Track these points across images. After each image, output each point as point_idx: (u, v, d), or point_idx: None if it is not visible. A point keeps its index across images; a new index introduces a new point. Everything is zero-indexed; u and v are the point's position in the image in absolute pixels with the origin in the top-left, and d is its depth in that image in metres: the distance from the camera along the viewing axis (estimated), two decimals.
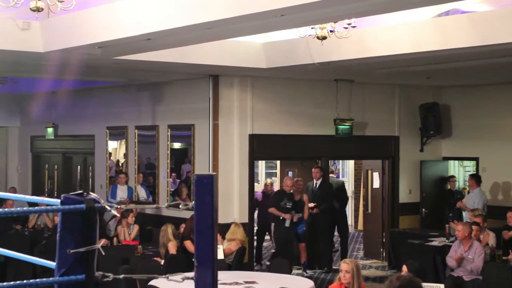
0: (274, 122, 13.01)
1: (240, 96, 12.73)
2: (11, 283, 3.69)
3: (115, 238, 11.61)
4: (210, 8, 7.67)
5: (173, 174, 13.70)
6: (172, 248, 10.47)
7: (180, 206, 3.79)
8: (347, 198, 15.09)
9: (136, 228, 11.74)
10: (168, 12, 8.10)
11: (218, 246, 9.65)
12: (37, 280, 3.71)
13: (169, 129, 13.64)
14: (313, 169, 13.41)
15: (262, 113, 12.88)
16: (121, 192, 13.80)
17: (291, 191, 12.59)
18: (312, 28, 8.81)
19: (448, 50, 9.45)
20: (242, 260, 10.83)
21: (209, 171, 11.98)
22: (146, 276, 7.10)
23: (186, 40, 9.30)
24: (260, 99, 12.90)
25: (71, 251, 3.59)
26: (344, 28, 8.65)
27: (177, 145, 14.00)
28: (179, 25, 8.01)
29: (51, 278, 3.75)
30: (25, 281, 3.56)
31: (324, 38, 8.80)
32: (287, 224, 12.38)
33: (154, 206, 5.09)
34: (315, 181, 13.33)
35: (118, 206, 3.99)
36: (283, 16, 7.49)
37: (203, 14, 7.73)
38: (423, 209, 14.61)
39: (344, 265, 7.41)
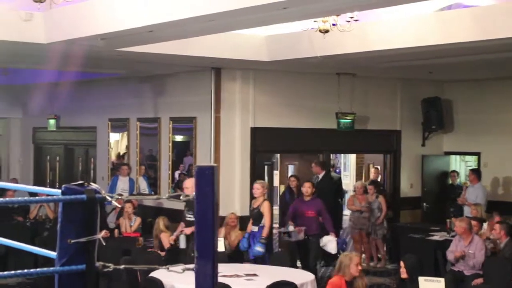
0: (276, 115, 13.01)
1: (242, 89, 12.73)
2: (12, 272, 3.70)
3: (116, 230, 11.62)
4: (212, 0, 7.66)
5: (181, 166, 13.71)
6: (165, 239, 10.52)
7: (181, 197, 3.81)
8: (343, 194, 15.10)
9: (138, 220, 11.75)
10: (170, 4, 8.09)
11: (219, 238, 9.70)
12: (38, 269, 3.74)
13: (171, 122, 13.65)
14: (312, 165, 13.39)
15: (264, 106, 12.88)
16: (122, 184, 13.80)
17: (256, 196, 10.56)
18: (315, 21, 8.80)
19: (450, 44, 9.44)
20: (243, 253, 10.84)
21: (210, 164, 11.99)
22: (146, 267, 7.14)
23: (188, 32, 9.29)
24: (262, 92, 12.90)
25: (72, 241, 3.60)
26: (347, 21, 8.64)
27: (179, 138, 14.01)
28: (181, 17, 8.00)
29: (51, 268, 3.76)
30: (26, 270, 3.58)
31: (327, 31, 8.80)
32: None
33: (155, 197, 5.16)
34: (318, 176, 13.30)
35: (119, 197, 4.01)
36: (285, 9, 7.47)
37: (206, 6, 7.72)
38: (425, 204, 14.62)
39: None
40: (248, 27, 9.83)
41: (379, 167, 14.56)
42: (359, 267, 7.29)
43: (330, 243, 10.86)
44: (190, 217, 9.64)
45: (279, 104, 13.07)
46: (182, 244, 9.76)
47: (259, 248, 9.99)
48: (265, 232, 10.15)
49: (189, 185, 9.80)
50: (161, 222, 10.77)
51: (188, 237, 9.64)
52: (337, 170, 17.04)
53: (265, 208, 10.22)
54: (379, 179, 14.92)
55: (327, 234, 11.10)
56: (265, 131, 12.89)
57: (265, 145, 12.99)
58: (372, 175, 14.40)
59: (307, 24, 9.29)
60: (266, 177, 13.57)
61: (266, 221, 10.17)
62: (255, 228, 10.23)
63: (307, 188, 11.15)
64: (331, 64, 11.67)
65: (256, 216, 10.24)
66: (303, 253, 11.11)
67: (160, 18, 8.18)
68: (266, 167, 13.65)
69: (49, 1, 8.10)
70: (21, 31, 9.39)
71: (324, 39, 9.15)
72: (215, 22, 8.23)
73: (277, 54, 11.14)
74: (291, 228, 11.00)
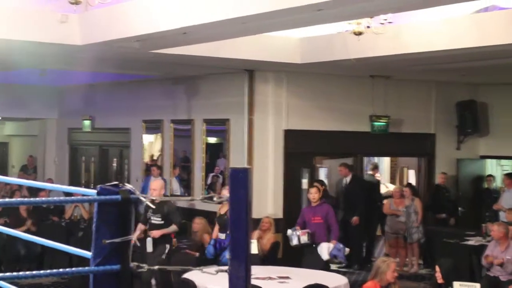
0: (309, 117, 12.98)
1: (275, 91, 12.72)
2: (48, 271, 3.73)
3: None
4: (246, 2, 7.66)
5: (216, 168, 13.73)
6: (208, 240, 10.59)
7: (214, 199, 3.82)
8: (381, 198, 14.68)
9: None
10: (204, 6, 8.11)
11: (252, 240, 9.67)
12: (73, 269, 3.77)
13: (204, 124, 13.69)
14: (339, 168, 13.22)
15: (297, 108, 12.86)
16: None
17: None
18: (349, 23, 8.77)
19: (486, 47, 9.33)
20: (276, 255, 10.83)
21: (243, 166, 11.99)
22: (180, 268, 7.16)
23: (222, 34, 9.31)
24: (295, 95, 12.88)
25: (107, 241, 3.62)
26: (381, 23, 8.59)
27: (212, 140, 14.04)
28: (215, 19, 8.02)
29: (86, 268, 3.78)
30: (61, 269, 3.61)
31: (361, 33, 8.76)
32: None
33: (189, 198, 5.16)
34: (346, 178, 13.22)
35: (153, 198, 4.04)
36: (320, 11, 7.45)
37: (239, 9, 7.72)
38: (460, 208, 14.45)
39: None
40: (282, 29, 9.81)
41: (446, 172, 14.17)
42: (395, 273, 7.24)
43: (323, 249, 10.22)
44: (156, 220, 9.49)
45: (312, 106, 13.04)
46: (149, 248, 9.39)
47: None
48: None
49: (156, 186, 9.83)
50: (203, 222, 10.83)
51: (155, 241, 9.42)
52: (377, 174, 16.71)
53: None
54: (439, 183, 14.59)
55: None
56: (298, 133, 12.86)
57: (298, 147, 12.95)
58: (438, 180, 14.10)
59: (341, 26, 9.26)
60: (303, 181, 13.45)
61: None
62: (222, 236, 9.97)
63: (313, 194, 10.47)
64: (364, 66, 11.61)
65: (224, 223, 9.83)
66: (310, 260, 10.24)
67: (195, 20, 8.21)
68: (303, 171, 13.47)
69: (85, 3, 8.18)
70: (57, 32, 9.48)
71: (358, 42, 9.11)
72: (249, 24, 8.23)
73: (310, 56, 11.11)
74: (289, 232, 10.43)
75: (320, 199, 10.57)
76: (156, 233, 9.39)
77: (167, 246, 9.55)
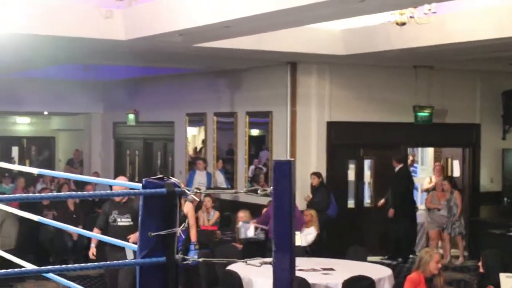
0: (352, 109, 12.94)
1: (318, 83, 12.70)
2: (95, 263, 3.81)
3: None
4: None
5: (255, 160, 13.79)
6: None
7: (258, 191, 3.83)
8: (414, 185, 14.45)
9: (216, 214, 11.88)
10: (246, 0, 8.13)
11: (296, 232, 9.65)
12: (120, 261, 3.89)
13: (247, 116, 13.73)
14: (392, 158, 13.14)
15: (340, 100, 12.82)
16: (199, 178, 13.97)
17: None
18: (392, 14, 8.71)
19: None
20: (320, 247, 10.84)
21: (286, 158, 12.00)
22: (225, 260, 7.20)
23: (264, 27, 9.33)
24: (338, 86, 12.84)
25: (153, 234, 3.67)
26: (424, 14, 8.52)
27: (255, 132, 14.08)
28: (257, 12, 8.03)
29: (133, 260, 3.84)
30: (108, 262, 3.72)
31: (404, 24, 8.70)
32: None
33: (233, 191, 5.14)
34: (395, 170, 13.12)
35: (198, 191, 4.07)
36: (362, 2, 7.42)
37: (283, 1, 7.72)
38: (505, 199, 14.26)
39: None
40: (325, 20, 9.79)
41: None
42: (439, 265, 7.19)
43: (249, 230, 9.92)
44: (125, 221, 8.34)
45: (355, 98, 12.99)
46: (130, 257, 7.96)
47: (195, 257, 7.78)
48: (193, 236, 9.05)
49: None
50: (247, 215, 10.87)
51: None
52: (415, 165, 16.61)
53: (189, 209, 9.11)
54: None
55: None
56: (341, 125, 12.83)
57: (341, 139, 12.92)
58: None
59: (383, 17, 9.20)
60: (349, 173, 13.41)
61: (192, 223, 9.01)
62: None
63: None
64: (408, 57, 11.52)
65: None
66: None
67: (237, 14, 8.23)
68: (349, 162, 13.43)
69: None
70: (101, 28, 9.61)
71: (401, 32, 9.05)
72: (291, 16, 8.23)
73: (353, 47, 11.06)
74: (240, 223, 10.06)
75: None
76: (135, 238, 8.19)
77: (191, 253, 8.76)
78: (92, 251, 8.38)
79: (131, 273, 7.99)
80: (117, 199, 8.37)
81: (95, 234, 7.76)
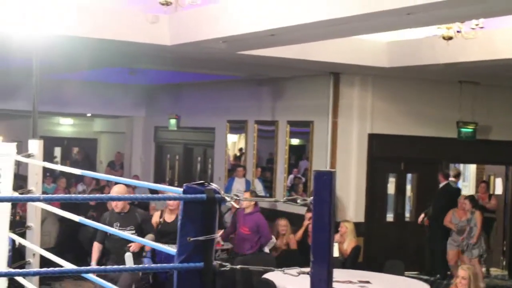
0: (394, 122, 12.83)
1: (360, 94, 12.64)
2: (134, 266, 3.84)
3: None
4: (335, 5, 7.64)
5: (295, 170, 13.77)
6: (293, 240, 10.62)
7: (298, 201, 3.82)
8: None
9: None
10: (292, 9, 8.13)
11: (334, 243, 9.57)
12: (158, 265, 3.91)
13: (288, 125, 13.71)
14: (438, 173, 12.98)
15: (382, 112, 12.73)
16: (238, 185, 13.98)
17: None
18: (438, 27, 8.63)
19: None
20: (357, 259, 10.77)
21: (326, 169, 11.95)
22: (262, 268, 7.17)
23: (309, 37, 9.31)
24: (381, 99, 12.75)
25: (191, 239, 3.68)
26: (472, 28, 8.42)
27: (295, 141, 14.06)
28: (303, 21, 8.02)
29: (171, 264, 3.86)
30: (146, 265, 3.74)
31: (450, 38, 8.61)
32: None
33: (273, 200, 5.10)
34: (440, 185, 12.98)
35: (237, 198, 4.07)
36: (409, 15, 7.37)
37: (328, 12, 7.70)
38: None
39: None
40: (371, 32, 9.74)
41: None
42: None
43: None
44: (128, 233, 7.62)
45: (398, 111, 12.88)
46: (130, 264, 7.77)
47: None
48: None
49: (117, 191, 8.41)
50: (288, 224, 10.83)
51: (135, 255, 7.98)
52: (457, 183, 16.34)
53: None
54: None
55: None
56: (382, 138, 12.73)
57: (382, 152, 12.82)
58: None
59: (429, 30, 9.12)
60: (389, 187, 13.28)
61: None
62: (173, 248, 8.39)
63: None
64: (453, 72, 11.40)
65: (173, 231, 7.14)
66: None
67: (283, 23, 8.23)
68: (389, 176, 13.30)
69: (174, 4, 8.33)
70: (147, 33, 9.69)
71: (448, 46, 8.95)
72: (337, 27, 8.21)
73: (397, 60, 10.98)
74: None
75: (255, 207, 10.03)
76: (137, 246, 7.99)
77: (144, 260, 8.36)
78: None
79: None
80: (117, 210, 8.21)
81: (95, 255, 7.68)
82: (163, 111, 17.58)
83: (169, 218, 8.46)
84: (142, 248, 8.11)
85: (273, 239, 9.87)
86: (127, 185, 13.37)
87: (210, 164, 16.42)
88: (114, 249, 8.07)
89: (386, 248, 12.42)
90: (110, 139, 21.67)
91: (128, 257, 7.88)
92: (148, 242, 6.90)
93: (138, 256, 8.05)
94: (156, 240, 8.05)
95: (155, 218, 8.08)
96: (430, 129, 13.07)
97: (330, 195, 3.54)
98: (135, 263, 7.74)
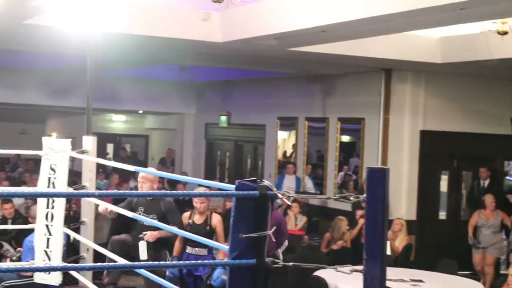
0: (447, 118, 12.65)
1: (412, 91, 12.49)
2: (187, 262, 3.86)
3: None
4: (386, 1, 7.57)
5: (345, 167, 13.69)
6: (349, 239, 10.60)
7: (351, 198, 3.80)
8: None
9: (304, 219, 11.84)
10: (345, 5, 8.08)
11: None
12: (210, 261, 3.93)
13: (338, 122, 13.64)
14: (480, 169, 12.72)
15: (435, 109, 12.56)
16: (288, 182, 13.96)
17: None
18: (493, 22, 8.48)
19: None
20: (409, 257, 10.66)
21: (377, 166, 11.85)
22: (315, 266, 7.13)
23: (361, 33, 9.24)
24: (433, 95, 12.59)
25: (244, 235, 3.69)
26: None
27: (345, 138, 13.98)
28: (355, 17, 7.97)
29: (223, 260, 3.87)
30: (199, 261, 3.75)
31: (505, 33, 8.45)
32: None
33: (325, 197, 5.07)
34: (482, 181, 12.73)
35: (289, 195, 4.06)
36: (463, 10, 7.26)
37: (380, 7, 7.64)
38: None
39: None
40: (423, 28, 9.62)
41: None
42: None
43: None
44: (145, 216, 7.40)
45: (450, 107, 12.70)
46: (143, 255, 7.50)
47: (224, 276, 6.95)
48: (223, 255, 7.24)
49: (142, 178, 7.65)
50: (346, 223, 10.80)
51: (149, 246, 7.51)
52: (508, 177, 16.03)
53: (217, 222, 7.67)
54: None
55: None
56: (435, 135, 12.56)
57: (435, 149, 12.65)
58: None
59: (483, 25, 8.97)
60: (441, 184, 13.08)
61: (221, 240, 7.44)
62: (203, 251, 7.40)
63: None
64: (507, 67, 11.18)
65: (203, 234, 6.88)
66: None
67: (334, 19, 8.19)
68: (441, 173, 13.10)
69: (226, 1, 8.36)
70: (199, 30, 9.74)
71: (502, 41, 8.79)
72: (389, 23, 8.13)
73: (451, 56, 10.82)
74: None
75: None
76: (152, 236, 7.47)
77: (166, 253, 7.79)
78: (107, 208, 7.56)
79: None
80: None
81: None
82: (213, 108, 17.66)
83: (198, 220, 7.70)
84: (161, 241, 7.56)
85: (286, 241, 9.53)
86: (178, 182, 13.54)
87: (260, 161, 16.43)
88: (136, 235, 7.62)
89: (438, 246, 12.26)
90: (161, 136, 21.86)
91: (142, 245, 7.48)
92: (169, 228, 6.35)
93: (156, 249, 7.56)
94: (183, 242, 7.58)
95: (184, 220, 7.84)
96: (483, 125, 12.86)
97: (384, 192, 3.53)
98: (153, 257, 7.42)
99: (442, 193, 13.09)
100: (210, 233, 7.42)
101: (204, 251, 7.39)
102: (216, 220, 7.62)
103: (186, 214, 7.79)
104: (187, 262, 7.18)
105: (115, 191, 7.23)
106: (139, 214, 7.52)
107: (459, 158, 13.08)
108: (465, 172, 13.27)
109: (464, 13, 7.46)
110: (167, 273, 7.43)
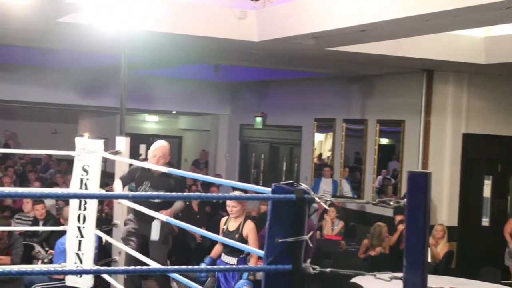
0: (491, 121, 12.30)
1: (455, 92, 12.19)
2: (221, 266, 3.69)
3: (318, 232, 11.55)
4: None
5: (384, 171, 13.40)
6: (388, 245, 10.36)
7: (391, 203, 3.64)
8: None
9: (341, 224, 11.63)
10: (384, 3, 7.90)
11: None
12: (246, 265, 3.78)
13: (378, 124, 13.38)
14: None
15: (478, 111, 12.23)
16: (325, 186, 13.75)
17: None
18: None
19: None
20: (450, 265, 10.38)
21: (418, 170, 11.57)
22: (352, 272, 6.92)
23: (401, 32, 9.02)
24: (477, 97, 12.25)
25: (280, 240, 3.58)
26: None
27: (384, 141, 13.70)
28: (395, 16, 7.79)
29: (258, 266, 3.74)
30: (234, 266, 3.60)
31: None
32: None
33: (365, 201, 4.93)
34: None
35: (326, 199, 3.89)
36: (509, 9, 7.01)
37: (422, 6, 7.47)
38: None
39: None
40: (466, 27, 9.38)
41: None
42: None
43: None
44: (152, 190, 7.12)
45: (495, 110, 12.35)
46: (155, 235, 7.04)
47: (247, 287, 6.38)
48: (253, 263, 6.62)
49: (157, 153, 7.32)
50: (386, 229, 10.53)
51: (163, 225, 7.01)
52: None
53: (250, 230, 7.05)
54: None
55: None
56: (478, 138, 12.22)
57: (478, 153, 12.31)
58: None
59: None
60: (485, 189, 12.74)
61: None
62: (232, 260, 6.80)
63: (230, 207, 7.27)
64: None
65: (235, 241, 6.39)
66: None
67: (374, 18, 8.00)
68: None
69: (263, 0, 8.21)
70: (234, 29, 9.60)
71: None
72: (431, 22, 7.91)
73: (496, 56, 10.50)
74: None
75: None
76: (169, 213, 6.97)
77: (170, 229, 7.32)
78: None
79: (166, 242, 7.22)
80: (153, 170, 7.09)
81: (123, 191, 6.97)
82: (248, 109, 17.48)
83: (232, 226, 7.21)
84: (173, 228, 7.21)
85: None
86: (211, 184, 13.35)
87: (296, 164, 16.22)
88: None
89: (481, 254, 11.91)
90: (194, 137, 21.77)
91: (155, 226, 6.98)
92: (175, 208, 6.22)
93: (169, 230, 7.19)
94: (222, 248, 7.05)
95: (221, 225, 7.52)
96: None
97: (425, 197, 3.49)
98: (165, 238, 7.11)
99: (485, 199, 12.74)
100: (241, 242, 6.53)
101: (233, 260, 6.81)
102: (249, 228, 7.07)
103: (223, 220, 7.42)
104: (223, 266, 6.95)
105: (149, 193, 7.01)
106: (145, 188, 7.21)
107: (504, 162, 12.72)
108: (511, 177, 12.91)
109: (509, 12, 7.19)
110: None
